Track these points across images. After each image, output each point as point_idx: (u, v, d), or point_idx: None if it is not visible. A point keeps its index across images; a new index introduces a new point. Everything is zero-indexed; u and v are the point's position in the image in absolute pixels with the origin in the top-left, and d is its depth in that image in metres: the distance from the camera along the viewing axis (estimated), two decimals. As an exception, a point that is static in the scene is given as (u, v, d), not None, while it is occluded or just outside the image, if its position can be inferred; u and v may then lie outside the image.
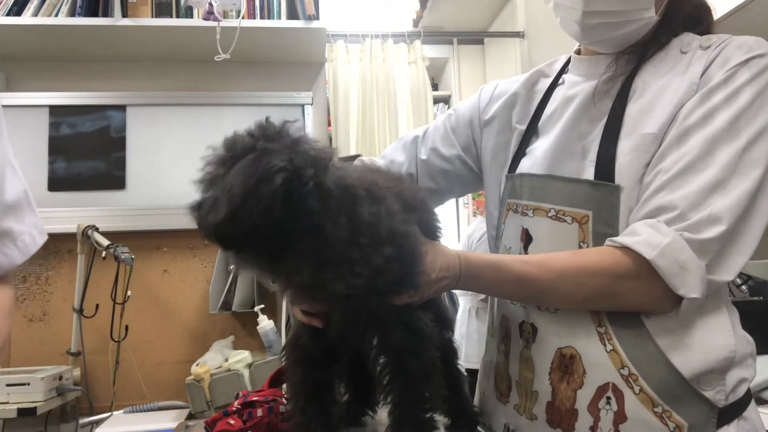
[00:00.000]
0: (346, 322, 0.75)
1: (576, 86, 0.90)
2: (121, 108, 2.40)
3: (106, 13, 2.24)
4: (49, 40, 2.28)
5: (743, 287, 1.62)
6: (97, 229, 2.13)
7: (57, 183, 2.33)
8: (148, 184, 2.37)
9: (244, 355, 2.01)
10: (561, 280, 0.77)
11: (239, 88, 2.54)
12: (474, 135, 1.02)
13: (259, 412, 0.89)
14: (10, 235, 0.81)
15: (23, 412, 1.81)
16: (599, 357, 0.77)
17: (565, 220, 0.81)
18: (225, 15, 2.23)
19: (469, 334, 2.61)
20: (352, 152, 2.62)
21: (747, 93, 0.74)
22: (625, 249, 0.74)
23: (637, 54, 0.85)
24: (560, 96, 0.92)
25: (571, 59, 0.95)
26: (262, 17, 2.30)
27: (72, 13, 2.23)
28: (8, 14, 2.18)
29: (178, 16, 2.27)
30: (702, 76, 0.77)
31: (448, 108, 3.04)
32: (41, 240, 0.85)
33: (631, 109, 0.80)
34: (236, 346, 2.19)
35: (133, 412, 1.98)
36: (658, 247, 0.70)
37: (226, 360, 2.01)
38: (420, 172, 1.04)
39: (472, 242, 2.62)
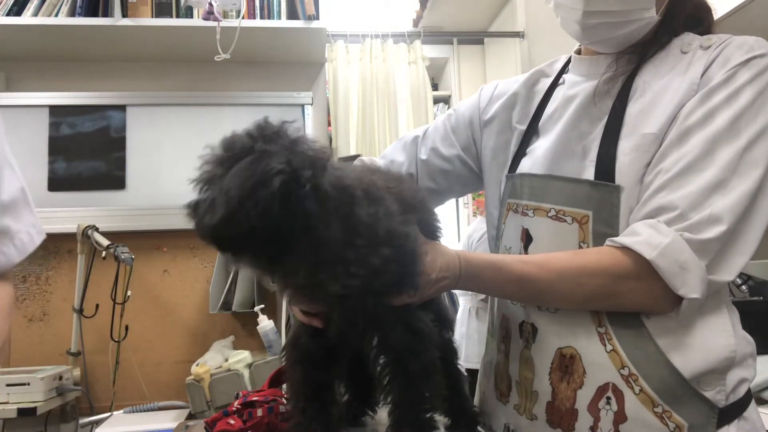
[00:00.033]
0: (345, 322, 0.75)
1: (576, 86, 0.90)
2: (121, 108, 2.40)
3: (106, 13, 2.24)
4: (49, 40, 2.28)
5: (743, 287, 1.62)
6: (97, 229, 2.13)
7: (57, 183, 2.33)
8: (148, 184, 2.37)
9: (244, 355, 2.01)
10: (561, 280, 0.77)
11: (239, 88, 2.54)
12: (474, 135, 1.02)
13: (259, 412, 0.89)
14: (7, 234, 0.80)
15: (23, 412, 1.81)
16: (599, 357, 0.77)
17: (565, 220, 0.81)
18: (225, 15, 2.23)
19: (469, 334, 2.61)
20: (352, 152, 2.62)
21: (747, 93, 0.74)
22: (626, 249, 0.74)
23: (638, 54, 0.85)
24: (560, 96, 0.92)
25: (572, 59, 0.95)
26: (262, 17, 2.30)
27: (72, 13, 2.23)
28: (8, 14, 2.18)
29: (178, 16, 2.27)
30: (702, 76, 0.77)
31: (448, 108, 3.04)
32: (39, 239, 0.85)
33: (632, 109, 0.80)
34: (236, 346, 2.19)
35: (133, 412, 1.98)
36: (658, 248, 0.70)
37: (226, 360, 2.01)
38: (420, 172, 1.04)
39: (472, 242, 2.63)
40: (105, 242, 2.06)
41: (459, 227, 3.20)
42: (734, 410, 0.76)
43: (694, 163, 0.73)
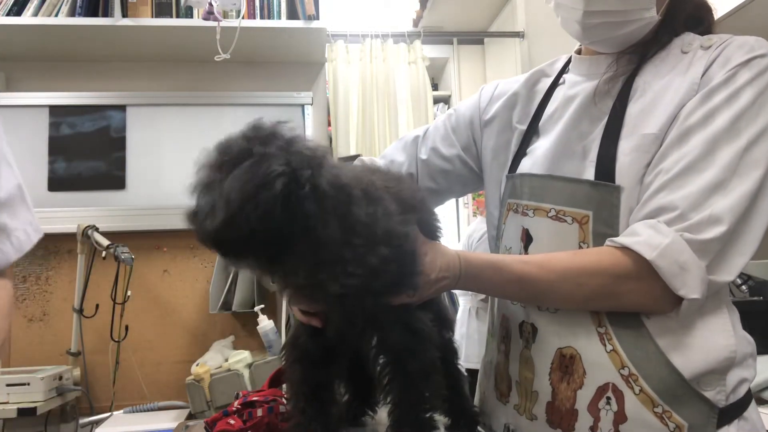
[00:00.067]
0: (344, 322, 0.75)
1: (577, 86, 0.90)
2: (121, 108, 2.40)
3: (106, 13, 2.23)
4: (49, 40, 2.28)
5: (743, 287, 1.62)
6: (97, 229, 2.13)
7: (57, 183, 2.33)
8: (148, 184, 2.37)
9: (244, 355, 2.01)
10: (561, 280, 0.77)
11: (239, 88, 2.54)
12: (474, 135, 1.02)
13: (259, 412, 0.89)
14: (3, 231, 0.79)
15: (23, 412, 1.81)
16: (599, 357, 0.77)
17: (565, 221, 0.81)
18: (225, 15, 2.23)
19: (469, 334, 2.61)
20: (352, 152, 2.62)
21: (748, 93, 0.74)
22: (626, 249, 0.74)
23: (638, 54, 0.85)
24: (561, 96, 0.91)
25: (572, 59, 0.95)
26: (262, 17, 2.30)
27: (72, 13, 2.23)
28: (8, 14, 2.18)
29: (178, 16, 2.27)
30: (703, 76, 0.77)
31: (448, 108, 3.04)
32: (36, 237, 0.84)
33: (632, 109, 0.80)
34: (236, 346, 2.20)
35: (133, 412, 1.98)
36: (658, 248, 0.70)
37: (226, 360, 2.01)
38: (420, 171, 1.04)
39: (472, 242, 2.63)
40: (105, 242, 2.06)
41: (459, 227, 3.20)
42: (734, 410, 0.76)
43: (694, 163, 0.73)
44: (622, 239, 0.74)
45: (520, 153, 0.93)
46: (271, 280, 0.78)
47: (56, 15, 2.22)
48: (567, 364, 0.79)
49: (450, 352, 0.91)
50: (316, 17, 2.28)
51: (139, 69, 2.52)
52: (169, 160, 2.38)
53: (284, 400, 0.91)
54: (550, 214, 0.83)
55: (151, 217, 2.32)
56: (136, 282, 2.24)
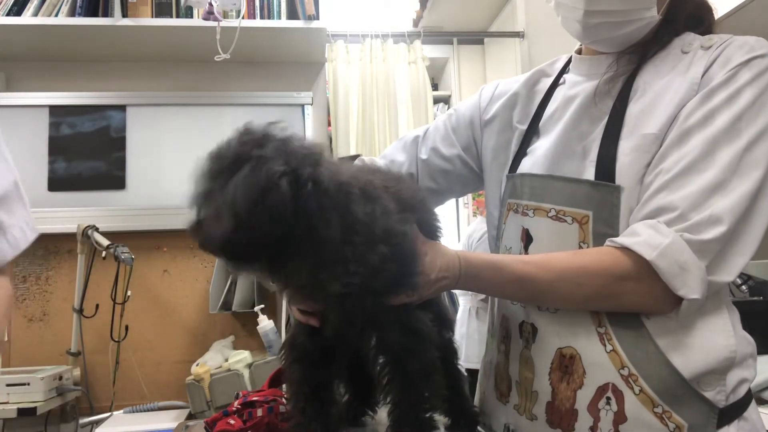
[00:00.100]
0: (344, 321, 0.75)
1: (577, 86, 0.90)
2: (121, 108, 2.40)
3: (106, 13, 2.23)
4: (49, 40, 2.28)
5: (743, 287, 1.62)
6: (97, 229, 2.13)
7: (57, 183, 2.33)
8: (148, 184, 2.37)
9: (244, 355, 2.01)
10: (561, 280, 0.77)
11: (239, 88, 2.54)
12: (474, 135, 1.02)
13: (259, 412, 0.89)
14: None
15: (23, 412, 1.81)
16: (599, 357, 0.77)
17: (565, 221, 0.81)
18: (225, 15, 2.23)
19: (469, 334, 2.61)
20: (352, 152, 2.62)
21: (748, 93, 0.74)
22: (625, 250, 0.74)
23: (639, 54, 0.85)
24: (561, 96, 0.91)
25: (572, 59, 0.95)
26: (262, 17, 2.30)
27: (72, 13, 2.23)
28: (8, 14, 2.18)
29: (178, 16, 2.27)
30: (703, 76, 0.77)
31: (448, 108, 3.04)
32: (32, 236, 0.82)
33: (632, 110, 0.80)
34: (236, 346, 2.20)
35: (133, 412, 1.98)
36: (658, 248, 0.70)
37: (226, 360, 2.01)
38: (420, 171, 1.04)
39: (472, 242, 2.63)
40: (105, 242, 2.06)
41: (459, 227, 3.20)
42: (734, 410, 0.76)
43: (694, 163, 0.73)
44: (622, 239, 0.74)
45: (521, 153, 0.93)
46: (272, 281, 0.78)
47: (56, 15, 2.22)
48: (567, 364, 0.79)
49: (450, 352, 0.91)
50: (316, 17, 2.28)
51: (139, 69, 2.52)
52: (169, 160, 2.38)
53: (284, 400, 0.91)
54: (550, 214, 0.83)
55: (151, 217, 2.32)
56: (136, 282, 2.24)
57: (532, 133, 0.93)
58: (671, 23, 0.84)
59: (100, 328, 2.15)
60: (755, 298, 1.62)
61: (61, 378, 2.00)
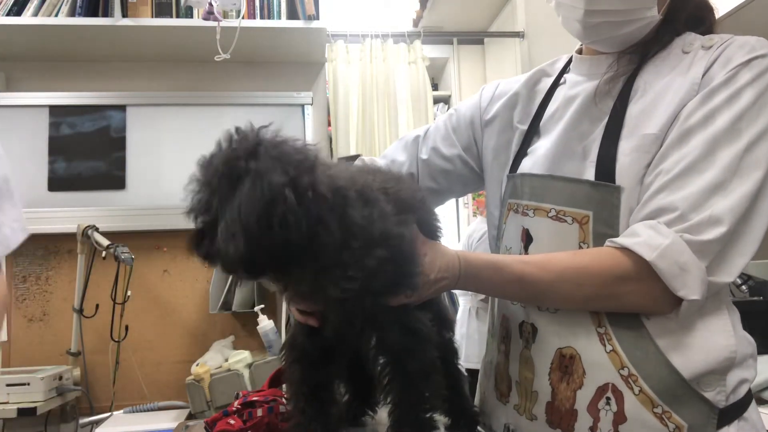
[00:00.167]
0: (343, 322, 0.75)
1: (577, 86, 0.90)
2: (121, 108, 2.40)
3: (106, 13, 2.23)
4: (49, 40, 2.28)
5: (743, 287, 1.62)
6: (97, 229, 2.13)
7: (57, 183, 2.33)
8: (148, 184, 2.37)
9: (244, 355, 2.01)
10: (561, 280, 0.77)
11: (239, 88, 2.54)
12: (475, 135, 1.02)
13: (259, 412, 0.89)
14: None
15: (23, 412, 1.81)
16: (599, 357, 0.77)
17: (565, 221, 0.81)
18: (225, 15, 2.23)
19: (469, 334, 2.61)
20: (352, 152, 2.62)
21: (748, 94, 0.73)
22: (625, 250, 0.73)
23: (639, 53, 0.84)
24: (562, 96, 0.91)
25: (573, 59, 0.95)
26: (262, 17, 2.30)
27: (72, 13, 2.23)
28: (8, 14, 2.18)
29: (178, 16, 2.27)
30: (703, 76, 0.77)
31: (448, 108, 3.04)
32: (22, 236, 0.80)
33: (633, 110, 0.80)
34: (236, 346, 2.20)
35: (133, 412, 1.98)
36: (658, 249, 0.70)
37: (226, 360, 2.01)
38: (421, 171, 1.04)
39: (472, 242, 2.63)
40: (105, 242, 2.06)
41: (459, 227, 3.20)
42: (734, 411, 0.76)
43: (694, 164, 0.73)
44: (622, 240, 0.74)
45: (521, 153, 0.93)
46: (275, 286, 0.78)
47: (56, 15, 2.22)
48: (567, 364, 0.79)
49: (450, 352, 0.91)
50: (316, 17, 2.28)
51: (139, 69, 2.52)
52: (169, 160, 2.38)
53: (284, 400, 0.91)
54: (550, 214, 0.83)
55: (151, 217, 2.32)
56: (136, 282, 2.24)
57: (532, 133, 0.93)
58: (672, 23, 0.84)
59: (100, 328, 2.15)
60: (755, 298, 1.62)
61: (61, 378, 2.00)
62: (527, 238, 0.86)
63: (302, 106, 2.50)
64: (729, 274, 0.72)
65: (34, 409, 1.82)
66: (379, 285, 0.70)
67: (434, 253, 0.78)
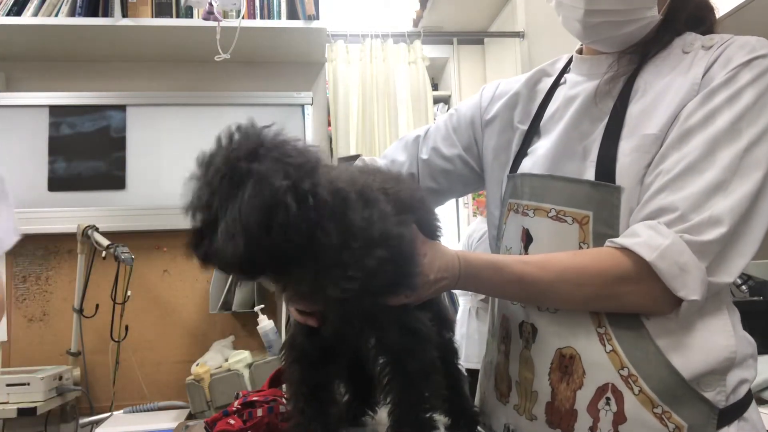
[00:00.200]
0: (342, 322, 0.75)
1: (578, 86, 0.90)
2: (121, 108, 2.40)
3: (106, 13, 2.23)
4: (49, 40, 2.28)
5: (743, 287, 1.62)
6: (97, 229, 2.13)
7: (57, 183, 2.33)
8: (148, 184, 2.37)
9: (244, 355, 2.01)
10: (561, 280, 0.77)
11: (239, 88, 2.54)
12: (475, 135, 1.02)
13: (259, 412, 0.89)
14: None
15: (23, 412, 1.81)
16: (599, 357, 0.77)
17: (565, 221, 0.81)
18: (225, 15, 2.23)
19: (469, 334, 2.61)
20: (352, 152, 2.62)
21: (749, 94, 0.73)
22: (625, 250, 0.73)
23: (639, 53, 0.84)
24: (562, 96, 0.91)
25: (573, 59, 0.95)
26: (262, 17, 2.30)
27: (72, 13, 2.23)
28: (8, 14, 2.18)
29: (178, 16, 2.27)
30: (704, 76, 0.77)
31: (448, 108, 3.04)
32: (15, 238, 0.80)
33: (633, 110, 0.80)
34: (236, 346, 2.20)
35: (133, 412, 1.98)
36: (658, 249, 0.70)
37: (226, 360, 2.01)
38: (421, 171, 1.04)
39: (472, 242, 2.63)
40: (105, 242, 2.06)
41: (459, 227, 3.20)
42: (734, 411, 0.76)
43: (694, 164, 0.72)
44: (622, 240, 0.74)
45: (521, 153, 0.93)
46: (274, 286, 0.78)
47: (56, 15, 2.22)
48: (567, 365, 0.79)
49: (450, 352, 0.91)
50: (316, 17, 2.28)
51: (139, 69, 2.52)
52: (169, 160, 2.38)
53: (284, 400, 0.91)
54: (550, 214, 0.83)
55: (151, 217, 2.32)
56: (136, 282, 2.24)
57: (532, 133, 0.93)
58: (672, 23, 0.84)
59: (100, 328, 2.15)
60: (755, 298, 1.62)
61: (61, 378, 2.00)
62: (527, 238, 0.86)
63: (302, 106, 2.50)
64: (729, 275, 0.72)
65: (34, 409, 1.82)
66: (378, 285, 0.70)
67: (434, 253, 0.77)
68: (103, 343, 2.17)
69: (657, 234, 0.71)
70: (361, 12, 3.35)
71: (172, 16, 2.26)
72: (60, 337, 2.28)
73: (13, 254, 2.30)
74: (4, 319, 2.27)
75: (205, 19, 2.10)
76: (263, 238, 0.61)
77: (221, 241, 0.63)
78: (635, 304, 0.75)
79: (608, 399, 0.75)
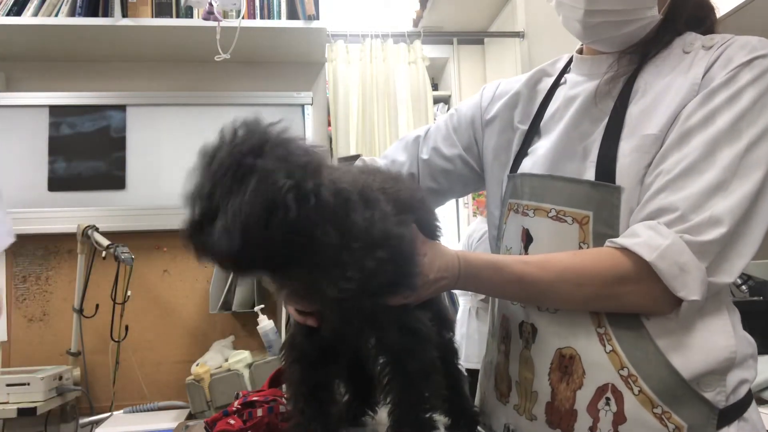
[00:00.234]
0: (340, 322, 0.75)
1: (578, 86, 0.89)
2: (121, 108, 2.40)
3: (106, 13, 2.23)
4: (49, 40, 2.28)
5: (743, 287, 1.62)
6: (97, 229, 2.13)
7: (57, 183, 2.33)
8: (148, 184, 2.37)
9: (244, 355, 2.01)
10: (561, 281, 0.77)
11: (239, 88, 2.54)
12: (476, 135, 1.02)
13: (259, 412, 0.89)
14: None
15: (23, 412, 1.81)
16: (599, 357, 0.77)
17: (565, 221, 0.81)
18: (225, 15, 2.23)
19: (469, 334, 2.61)
20: (352, 152, 2.62)
21: (749, 94, 0.73)
22: (625, 250, 0.73)
23: (639, 53, 0.84)
24: (562, 96, 0.91)
25: (574, 59, 0.95)
26: (262, 17, 2.30)
27: (72, 13, 2.23)
28: (8, 14, 2.18)
29: (178, 16, 2.27)
30: (704, 76, 0.76)
31: (448, 108, 3.05)
32: (9, 240, 0.79)
33: (633, 110, 0.80)
34: (236, 346, 2.19)
35: (133, 412, 1.97)
36: (658, 249, 0.70)
37: (226, 360, 2.01)
38: (421, 171, 1.04)
39: (472, 242, 2.63)
40: (105, 242, 2.06)
41: (459, 227, 3.20)
42: (734, 411, 0.76)
43: (694, 164, 0.72)
44: (622, 240, 0.74)
45: (522, 153, 0.93)
46: (270, 283, 0.78)
47: (56, 15, 2.22)
48: (566, 365, 0.79)
49: (450, 352, 0.91)
50: (316, 17, 2.28)
51: (139, 69, 2.52)
52: (169, 160, 2.38)
53: (284, 400, 0.91)
54: (550, 215, 0.83)
55: (151, 217, 2.32)
56: (136, 282, 2.24)
57: (533, 133, 0.93)
58: (672, 23, 0.84)
59: (100, 328, 2.15)
60: (755, 298, 1.62)
61: (61, 378, 2.00)
62: (527, 238, 0.86)
63: (302, 106, 2.50)
64: (729, 275, 0.72)
65: (34, 409, 1.82)
66: (378, 285, 0.70)
67: (433, 253, 0.77)
68: (103, 343, 2.16)
69: (657, 234, 0.71)
70: (361, 12, 3.35)
71: (172, 16, 2.26)
72: (60, 337, 2.28)
73: (13, 254, 2.30)
74: (5, 319, 2.27)
75: (205, 19, 2.10)
76: (261, 234, 0.61)
77: (218, 234, 0.63)
78: (635, 304, 0.75)
79: (608, 399, 0.75)
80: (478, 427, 0.93)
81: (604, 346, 0.77)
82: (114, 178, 2.36)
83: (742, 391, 0.77)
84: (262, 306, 2.12)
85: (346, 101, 2.69)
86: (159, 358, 2.34)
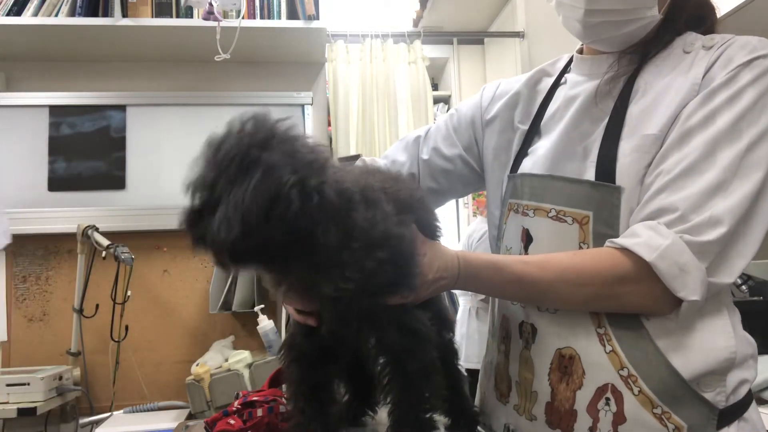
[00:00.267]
0: (339, 321, 0.75)
1: (578, 86, 0.89)
2: (121, 108, 2.40)
3: (106, 13, 2.23)
4: (49, 40, 2.28)
5: (743, 287, 1.62)
6: (97, 229, 2.13)
7: (57, 183, 2.33)
8: (148, 184, 2.37)
9: (244, 355, 2.01)
10: (561, 281, 0.77)
11: (239, 88, 2.54)
12: (476, 135, 1.02)
13: (259, 412, 0.89)
14: None
15: (23, 412, 1.81)
16: (599, 358, 0.77)
17: (565, 221, 0.81)
18: (225, 15, 2.23)
19: (469, 334, 2.61)
20: (352, 152, 2.62)
21: (749, 94, 0.73)
22: (625, 251, 0.73)
23: (640, 53, 0.84)
24: (562, 96, 0.91)
25: (574, 58, 0.95)
26: (262, 17, 2.30)
27: (72, 13, 2.23)
28: (8, 14, 2.18)
29: (178, 16, 2.27)
30: (704, 76, 0.76)
31: (448, 108, 3.05)
32: (5, 241, 0.79)
33: (633, 110, 0.80)
34: (236, 346, 2.19)
35: (133, 412, 1.97)
36: (658, 250, 0.70)
37: (226, 360, 2.01)
38: (422, 171, 1.04)
39: (472, 242, 2.63)
40: (105, 242, 2.06)
41: (459, 227, 3.20)
42: (734, 411, 0.76)
43: (694, 164, 0.72)
44: (622, 240, 0.74)
45: (522, 153, 0.93)
46: (267, 280, 0.78)
47: (56, 15, 2.22)
48: (566, 365, 0.79)
49: (450, 352, 0.91)
50: (316, 17, 2.28)
51: (139, 69, 2.52)
52: (169, 160, 2.38)
53: (284, 400, 0.91)
54: (550, 215, 0.83)
55: (151, 217, 2.32)
56: (136, 282, 2.24)
57: (533, 133, 0.93)
58: (672, 22, 0.84)
59: (100, 328, 2.15)
60: (755, 298, 1.62)
61: (61, 378, 2.00)
62: (527, 238, 0.86)
63: (302, 106, 2.50)
64: (729, 275, 0.72)
65: (34, 409, 1.82)
66: (377, 285, 0.70)
67: (433, 253, 0.77)
68: (103, 343, 2.16)
69: (657, 234, 0.71)
70: (361, 12, 3.35)
71: (172, 16, 2.26)
72: (60, 337, 2.28)
73: (13, 254, 2.30)
74: (5, 319, 2.27)
75: (205, 19, 2.10)
76: (260, 226, 0.61)
77: (217, 223, 0.63)
78: (635, 304, 0.75)
79: (608, 399, 0.75)
80: (478, 427, 0.93)
81: (604, 346, 0.77)
82: (114, 178, 2.36)
83: (742, 392, 0.77)
84: (262, 306, 2.11)
85: (346, 101, 2.69)
86: (159, 358, 2.34)
